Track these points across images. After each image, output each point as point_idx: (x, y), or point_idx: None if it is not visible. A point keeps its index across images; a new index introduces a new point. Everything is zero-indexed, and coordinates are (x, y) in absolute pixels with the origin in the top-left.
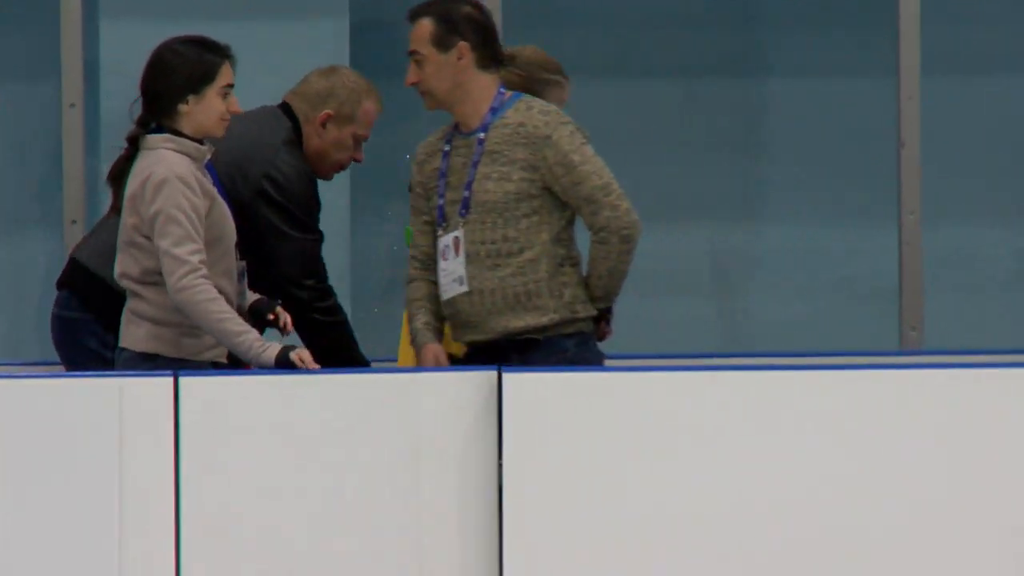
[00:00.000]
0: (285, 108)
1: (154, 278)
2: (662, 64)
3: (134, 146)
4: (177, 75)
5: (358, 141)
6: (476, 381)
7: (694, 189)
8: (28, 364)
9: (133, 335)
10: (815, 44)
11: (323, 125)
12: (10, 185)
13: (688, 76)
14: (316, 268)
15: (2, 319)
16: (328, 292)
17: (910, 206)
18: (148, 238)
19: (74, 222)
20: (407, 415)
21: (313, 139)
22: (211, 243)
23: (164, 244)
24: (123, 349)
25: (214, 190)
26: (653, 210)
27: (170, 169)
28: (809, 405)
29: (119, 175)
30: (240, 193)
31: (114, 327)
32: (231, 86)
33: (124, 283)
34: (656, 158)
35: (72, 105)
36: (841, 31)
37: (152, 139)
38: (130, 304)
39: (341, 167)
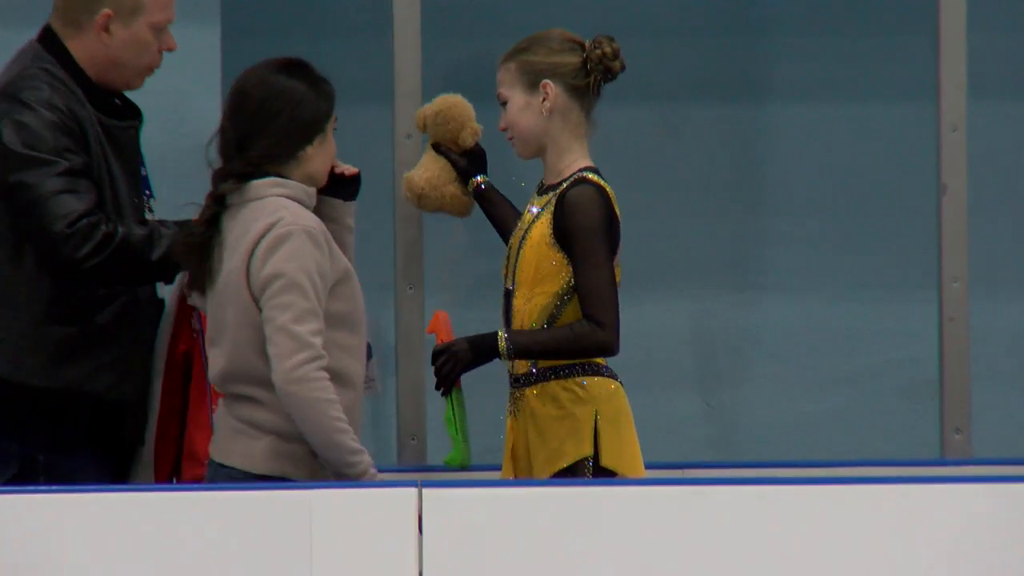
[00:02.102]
0: (43, 37)
1: None
2: (632, 84)
3: (221, 204)
4: (304, 112)
5: (160, 29)
6: (391, 498)
7: (673, 248)
8: None
9: (245, 451)
10: (830, 58)
11: (107, 30)
12: None
13: (666, 99)
14: (72, 208)
15: None
16: (92, 227)
17: (954, 271)
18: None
19: None
20: (307, 538)
21: (99, 50)
22: (343, 321)
23: (281, 319)
24: (223, 466)
25: (343, 255)
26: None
27: (296, 220)
28: (822, 530)
29: (203, 245)
30: None
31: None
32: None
33: (229, 386)
34: (623, 205)
35: None
36: (866, 42)
37: (258, 186)
38: (238, 411)
39: (150, 69)
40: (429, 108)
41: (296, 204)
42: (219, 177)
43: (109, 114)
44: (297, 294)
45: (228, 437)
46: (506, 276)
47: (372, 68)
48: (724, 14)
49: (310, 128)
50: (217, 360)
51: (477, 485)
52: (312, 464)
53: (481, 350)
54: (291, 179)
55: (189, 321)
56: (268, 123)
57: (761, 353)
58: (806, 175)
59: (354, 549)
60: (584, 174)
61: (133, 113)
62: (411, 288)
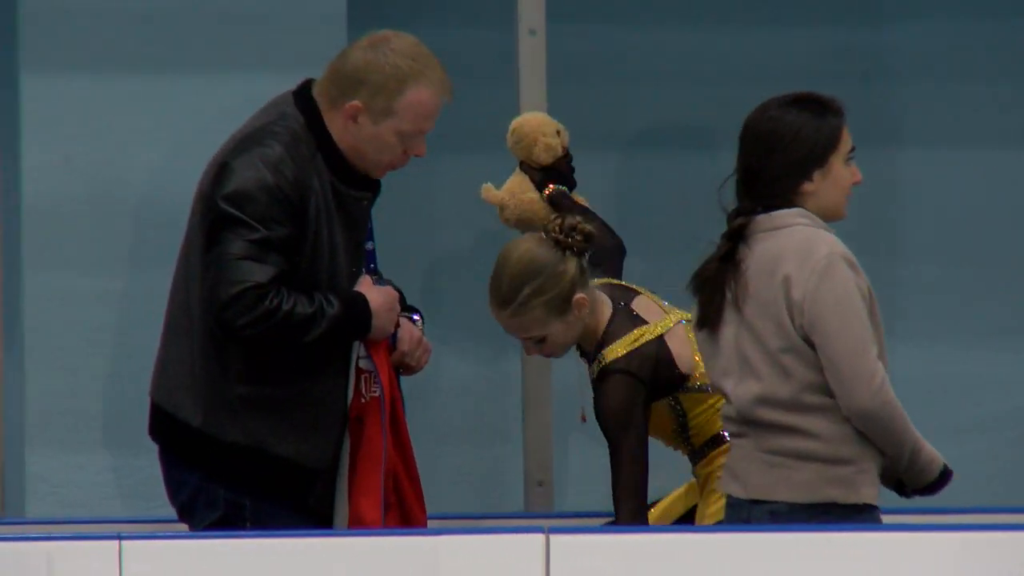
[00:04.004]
0: (301, 92)
1: (818, 398)
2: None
3: (736, 238)
4: (798, 147)
5: (409, 136)
6: (518, 545)
7: None
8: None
9: (790, 483)
10: (959, 104)
11: (354, 119)
12: None
13: None
14: (246, 277)
15: None
16: (258, 299)
17: None
18: (808, 342)
19: None
20: None
21: (343, 133)
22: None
23: (845, 348)
24: (759, 502)
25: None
26: None
27: (832, 248)
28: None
29: (717, 278)
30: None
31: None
32: (854, 150)
33: (759, 412)
34: None
35: None
36: (996, 88)
37: (783, 216)
38: (773, 443)
39: (391, 166)
40: (510, 129)
41: (824, 231)
42: (731, 215)
43: (346, 182)
44: (855, 320)
45: (763, 472)
46: None
47: (498, 116)
48: (856, 60)
49: (805, 163)
50: (745, 387)
51: (605, 531)
52: (860, 487)
53: None
54: None
55: (360, 387)
56: (767, 159)
57: None
58: (934, 221)
59: None
60: (610, 365)
61: (370, 186)
62: None
